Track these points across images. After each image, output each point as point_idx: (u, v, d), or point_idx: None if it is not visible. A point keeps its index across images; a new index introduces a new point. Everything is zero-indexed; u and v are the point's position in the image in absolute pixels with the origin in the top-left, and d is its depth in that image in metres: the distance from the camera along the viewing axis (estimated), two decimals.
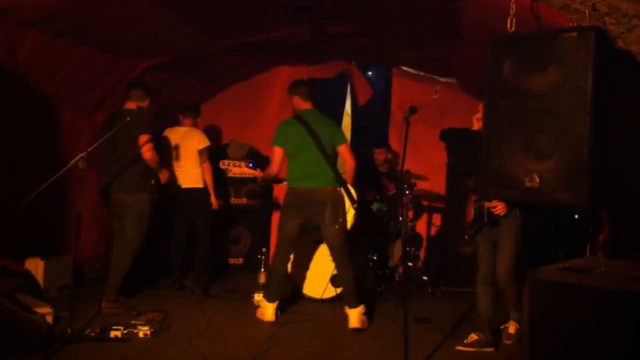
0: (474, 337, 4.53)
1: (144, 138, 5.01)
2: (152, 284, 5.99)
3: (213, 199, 5.99)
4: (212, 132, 7.39)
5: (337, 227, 4.82)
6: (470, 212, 4.65)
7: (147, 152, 5.03)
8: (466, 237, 4.69)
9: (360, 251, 6.10)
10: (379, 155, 6.82)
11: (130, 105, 5.10)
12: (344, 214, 4.92)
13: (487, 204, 4.36)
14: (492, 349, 4.47)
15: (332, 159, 4.92)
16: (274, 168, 4.97)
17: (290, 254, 5.22)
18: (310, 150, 4.85)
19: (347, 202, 4.98)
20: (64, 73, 5.12)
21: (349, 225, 5.02)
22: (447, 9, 4.49)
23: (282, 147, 4.93)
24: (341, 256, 4.90)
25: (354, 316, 4.73)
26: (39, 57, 4.74)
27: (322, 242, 5.58)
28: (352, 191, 5.05)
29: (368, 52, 6.81)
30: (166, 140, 5.93)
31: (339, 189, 4.92)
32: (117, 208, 5.11)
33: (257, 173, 5.39)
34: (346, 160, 5.00)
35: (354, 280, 4.87)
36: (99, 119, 5.58)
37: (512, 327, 4.62)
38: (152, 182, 5.18)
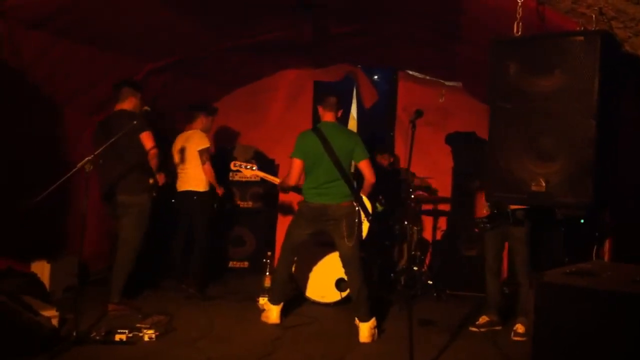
0: (485, 318, 5.03)
1: (146, 135, 4.99)
2: (156, 285, 6.00)
3: (218, 191, 5.93)
4: (217, 135, 7.41)
5: (352, 241, 4.76)
6: (481, 209, 4.99)
7: (153, 149, 5.02)
8: (477, 229, 5.13)
9: (365, 254, 6.09)
10: (383, 160, 6.83)
11: (122, 105, 5.09)
12: (360, 228, 4.87)
13: (512, 206, 4.73)
14: (500, 327, 4.97)
15: (348, 173, 4.84)
16: (293, 180, 4.92)
17: (294, 257, 5.21)
18: (326, 165, 4.78)
19: (362, 214, 4.94)
20: (66, 73, 5.14)
21: (363, 235, 5.00)
22: (448, 8, 4.48)
23: (302, 159, 4.86)
24: (355, 270, 4.82)
25: (365, 330, 4.66)
26: (41, 57, 4.75)
27: (325, 245, 5.57)
28: (368, 204, 5.02)
29: (369, 52, 6.80)
30: (173, 144, 5.95)
31: (354, 203, 4.84)
32: (119, 209, 5.12)
33: (276, 180, 5.40)
34: (365, 176, 4.89)
35: (367, 294, 4.79)
36: (101, 119, 5.60)
37: (520, 328, 4.80)
38: (151, 181, 5.16)
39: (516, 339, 4.73)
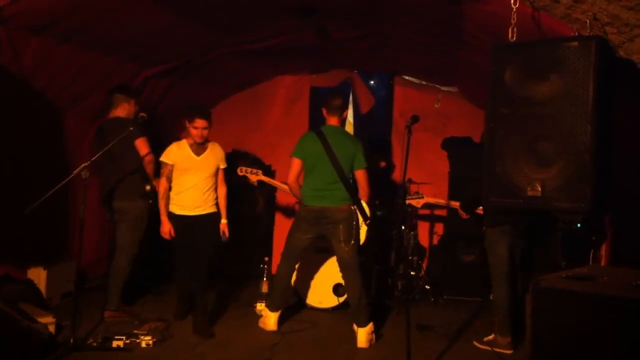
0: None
1: (140, 141, 4.99)
2: (155, 291, 5.97)
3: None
4: (214, 140, 7.38)
5: (350, 245, 4.76)
6: None
7: (148, 155, 5.01)
8: None
9: (363, 259, 6.08)
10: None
11: (115, 112, 5.10)
12: (358, 232, 4.87)
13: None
14: (509, 351, 4.51)
15: (347, 177, 4.84)
16: (291, 178, 4.90)
17: (296, 264, 5.17)
18: (326, 168, 4.79)
19: (360, 218, 4.94)
20: (67, 78, 5.14)
21: (362, 240, 5.00)
22: (449, 12, 4.49)
23: (301, 159, 4.87)
24: (353, 274, 4.81)
25: (363, 335, 4.66)
26: (42, 62, 4.75)
27: (322, 251, 5.57)
28: (366, 208, 5.03)
29: (370, 56, 6.80)
30: None
31: (353, 207, 4.85)
32: (116, 215, 5.11)
33: (283, 185, 5.41)
34: (361, 186, 4.89)
35: (365, 299, 4.79)
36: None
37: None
38: (148, 187, 5.14)
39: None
